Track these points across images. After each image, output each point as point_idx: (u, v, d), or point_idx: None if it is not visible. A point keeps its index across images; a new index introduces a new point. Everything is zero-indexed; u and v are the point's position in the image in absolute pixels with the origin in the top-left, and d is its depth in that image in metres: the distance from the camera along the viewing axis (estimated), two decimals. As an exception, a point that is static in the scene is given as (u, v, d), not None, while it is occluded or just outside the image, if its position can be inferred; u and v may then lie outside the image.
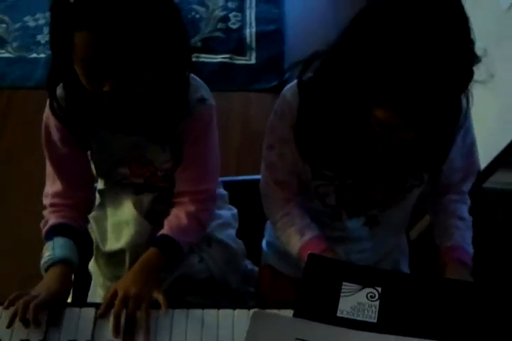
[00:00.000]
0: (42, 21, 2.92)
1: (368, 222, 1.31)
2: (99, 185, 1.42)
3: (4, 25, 2.92)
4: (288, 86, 1.19)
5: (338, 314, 1.02)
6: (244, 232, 1.49)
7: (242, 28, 2.95)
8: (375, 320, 1.01)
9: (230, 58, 2.80)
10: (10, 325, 1.06)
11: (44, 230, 1.25)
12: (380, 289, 1.04)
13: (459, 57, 0.92)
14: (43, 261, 1.19)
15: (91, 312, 1.10)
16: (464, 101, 1.09)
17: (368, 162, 1.15)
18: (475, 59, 0.96)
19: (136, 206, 1.34)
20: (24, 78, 2.71)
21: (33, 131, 1.46)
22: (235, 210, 1.52)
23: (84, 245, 1.28)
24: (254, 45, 2.88)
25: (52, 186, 1.29)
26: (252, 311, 1.05)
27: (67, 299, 1.20)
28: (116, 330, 1.06)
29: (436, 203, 1.33)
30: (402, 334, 1.00)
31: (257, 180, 1.31)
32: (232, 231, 1.47)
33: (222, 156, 1.33)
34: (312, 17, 3.01)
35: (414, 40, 0.90)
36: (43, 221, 1.27)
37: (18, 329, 1.06)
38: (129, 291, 1.10)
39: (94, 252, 1.39)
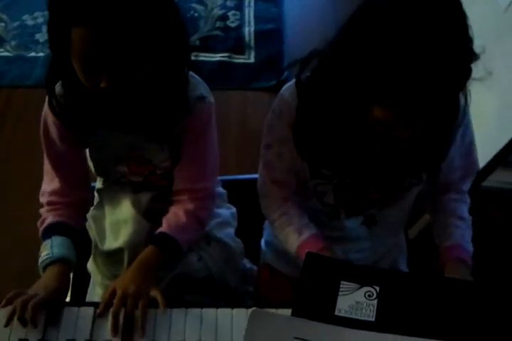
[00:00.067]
0: (40, 20, 2.91)
1: (366, 221, 1.31)
2: (98, 184, 1.42)
3: (3, 24, 2.92)
4: (286, 85, 1.19)
5: (336, 313, 1.02)
6: (243, 231, 1.49)
7: (240, 26, 2.94)
8: (373, 319, 1.01)
9: (228, 57, 2.80)
10: (8, 324, 1.06)
11: (41, 229, 1.25)
12: (378, 288, 1.04)
13: (456, 55, 0.92)
14: (40, 259, 1.18)
15: (89, 311, 1.10)
16: (462, 99, 1.09)
17: (367, 161, 1.15)
18: (473, 56, 0.96)
19: (135, 205, 1.33)
20: (23, 77, 2.70)
21: (32, 129, 1.45)
22: (234, 209, 1.52)
23: (82, 244, 1.28)
24: (253, 43, 2.87)
25: (49, 184, 1.29)
26: (250, 310, 1.05)
27: (65, 298, 1.20)
28: (114, 329, 1.06)
29: (436, 202, 1.33)
30: (400, 333, 1.00)
31: (256, 179, 1.31)
32: (231, 230, 1.47)
33: (221, 155, 1.33)
34: (311, 16, 3.00)
35: (412, 38, 0.90)
36: (40, 219, 1.27)
37: (16, 329, 1.06)
38: (127, 290, 1.10)
39: (93, 251, 1.39)
